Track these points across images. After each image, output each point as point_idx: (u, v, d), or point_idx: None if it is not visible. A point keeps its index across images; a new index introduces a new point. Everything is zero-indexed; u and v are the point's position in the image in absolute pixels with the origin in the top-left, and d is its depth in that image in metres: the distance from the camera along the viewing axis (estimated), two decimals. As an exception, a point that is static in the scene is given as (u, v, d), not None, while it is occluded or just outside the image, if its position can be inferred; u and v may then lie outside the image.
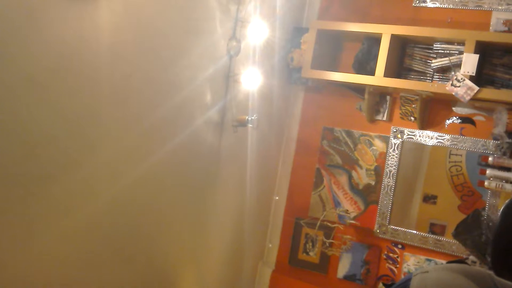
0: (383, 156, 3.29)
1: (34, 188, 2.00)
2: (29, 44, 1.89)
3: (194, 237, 2.94)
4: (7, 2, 1.80)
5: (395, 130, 3.25)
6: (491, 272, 1.49)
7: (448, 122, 3.14)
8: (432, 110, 3.19)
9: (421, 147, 3.22)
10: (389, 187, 3.23)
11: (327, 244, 3.31)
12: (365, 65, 3.22)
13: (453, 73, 2.91)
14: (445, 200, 3.14)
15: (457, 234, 2.94)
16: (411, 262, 3.16)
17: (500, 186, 2.82)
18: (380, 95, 3.31)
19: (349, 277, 3.32)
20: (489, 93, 2.80)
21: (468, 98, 2.80)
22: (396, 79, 3.08)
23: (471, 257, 2.92)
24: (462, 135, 3.09)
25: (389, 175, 3.24)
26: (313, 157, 3.54)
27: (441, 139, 3.12)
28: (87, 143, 2.19)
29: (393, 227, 3.21)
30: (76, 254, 2.23)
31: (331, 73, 3.23)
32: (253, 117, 2.98)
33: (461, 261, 1.84)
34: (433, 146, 3.16)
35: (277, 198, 3.60)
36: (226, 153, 3.05)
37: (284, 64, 3.45)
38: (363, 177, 3.36)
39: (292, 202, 3.59)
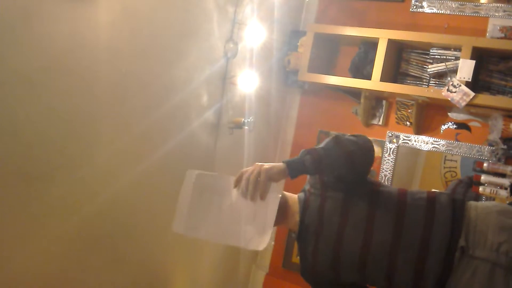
0: (378, 160, 3.29)
1: (29, 188, 1.99)
2: (24, 44, 1.88)
3: (188, 240, 2.92)
4: (2, 1, 1.79)
5: (390, 134, 3.25)
6: None
7: (443, 127, 3.15)
8: (428, 115, 3.20)
9: (416, 152, 3.22)
10: (384, 191, 3.23)
11: (321, 248, 3.30)
12: (362, 69, 3.22)
13: (449, 78, 2.92)
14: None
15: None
16: (404, 267, 3.16)
17: (495, 192, 2.83)
18: (376, 99, 3.32)
19: (342, 281, 3.32)
20: (484, 99, 2.81)
21: (463, 104, 2.81)
22: (392, 83, 3.09)
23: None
24: (458, 140, 3.09)
25: (384, 179, 3.24)
26: (309, 160, 3.53)
27: (436, 144, 3.12)
28: (83, 144, 2.18)
29: (387, 231, 3.21)
30: (70, 254, 2.22)
31: (327, 77, 3.24)
32: (249, 120, 2.98)
33: None
34: (428, 151, 3.16)
35: (279, 196, 3.59)
36: (221, 155, 3.04)
37: (281, 66, 3.45)
38: (358, 181, 3.36)
39: (287, 205, 3.59)
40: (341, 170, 1.72)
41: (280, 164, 1.66)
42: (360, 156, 1.73)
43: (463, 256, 1.65)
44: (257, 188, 1.62)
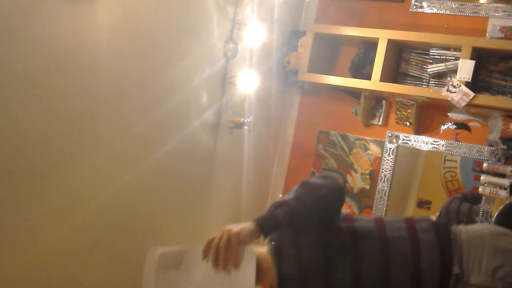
0: (378, 160, 3.29)
1: (29, 188, 1.99)
2: (24, 44, 1.88)
3: (188, 239, 2.93)
4: (2, 1, 1.79)
5: (390, 134, 3.25)
6: None
7: (443, 127, 3.15)
8: (428, 116, 3.20)
9: (416, 152, 3.22)
10: (384, 191, 3.24)
11: (321, 248, 3.30)
12: (362, 70, 3.22)
13: (449, 78, 2.92)
14: (439, 206, 3.14)
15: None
16: (404, 267, 3.16)
17: (494, 192, 2.83)
18: (376, 99, 3.32)
19: (342, 281, 3.32)
20: (484, 99, 2.81)
21: (463, 104, 2.81)
22: (392, 84, 3.09)
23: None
24: (457, 140, 3.09)
25: (384, 179, 3.24)
26: (308, 160, 3.54)
27: (436, 145, 3.12)
28: (82, 144, 2.18)
29: (387, 231, 3.21)
30: (70, 254, 2.22)
31: (327, 77, 3.24)
32: (249, 120, 2.98)
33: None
34: (428, 152, 3.16)
35: (280, 196, 3.60)
36: (221, 155, 3.04)
37: (280, 67, 3.45)
38: (358, 181, 3.36)
39: (287, 205, 3.59)
40: (315, 217, 1.63)
41: (250, 224, 1.53)
42: (332, 198, 1.67)
43: (459, 284, 1.61)
44: (228, 255, 1.46)
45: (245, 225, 1.53)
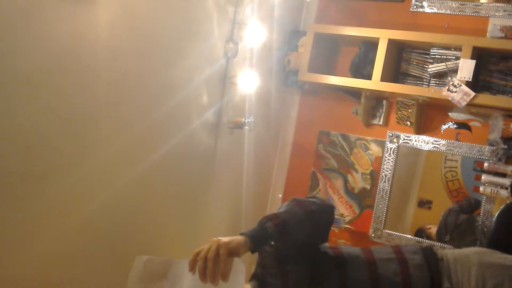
0: (378, 160, 3.29)
1: (29, 188, 1.99)
2: (24, 43, 1.88)
3: (188, 239, 2.93)
4: (2, 1, 1.79)
5: (391, 134, 3.25)
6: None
7: (444, 127, 3.15)
8: (428, 115, 3.20)
9: (416, 152, 3.22)
10: (385, 191, 3.23)
11: (322, 248, 3.30)
12: (362, 69, 3.22)
13: (449, 78, 2.92)
14: (440, 205, 3.14)
15: (451, 240, 2.94)
16: (405, 267, 3.15)
17: (495, 191, 2.83)
18: (377, 99, 3.32)
19: (343, 281, 3.31)
20: (485, 99, 2.81)
21: (464, 103, 2.81)
22: (393, 83, 3.08)
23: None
24: (458, 140, 3.09)
25: (385, 179, 3.24)
26: (309, 160, 3.54)
27: (436, 144, 3.12)
28: (82, 143, 2.18)
29: (388, 231, 3.21)
30: (70, 254, 2.22)
31: (327, 77, 3.24)
32: (249, 120, 2.97)
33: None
34: (429, 151, 3.16)
35: (280, 196, 3.60)
36: (221, 155, 3.04)
37: (281, 66, 3.45)
38: (358, 181, 3.36)
39: (287, 205, 3.58)
40: (306, 231, 1.62)
41: (239, 236, 1.51)
42: (322, 214, 1.68)
43: None
44: (217, 267, 1.41)
45: (234, 237, 1.50)
